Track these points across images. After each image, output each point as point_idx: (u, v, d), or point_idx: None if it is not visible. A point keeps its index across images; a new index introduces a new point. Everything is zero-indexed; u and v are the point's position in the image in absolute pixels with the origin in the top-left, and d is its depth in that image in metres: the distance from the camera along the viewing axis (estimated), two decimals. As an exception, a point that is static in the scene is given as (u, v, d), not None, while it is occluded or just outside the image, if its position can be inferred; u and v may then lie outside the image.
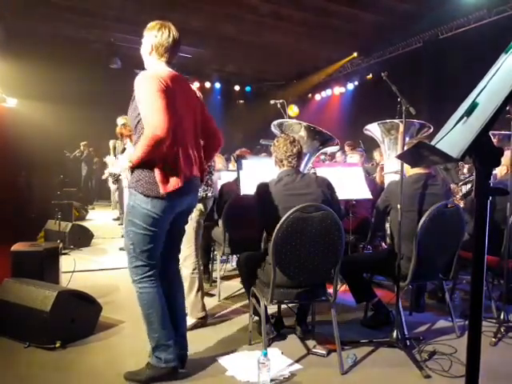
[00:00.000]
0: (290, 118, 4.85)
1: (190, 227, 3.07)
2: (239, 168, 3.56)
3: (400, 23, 9.45)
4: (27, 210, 5.25)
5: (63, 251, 4.25)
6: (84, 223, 7.13)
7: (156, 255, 2.36)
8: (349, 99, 13.08)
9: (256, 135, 8.44)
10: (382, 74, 3.05)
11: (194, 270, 3.21)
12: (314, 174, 3.50)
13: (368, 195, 3.86)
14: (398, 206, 2.86)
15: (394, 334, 2.85)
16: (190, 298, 3.13)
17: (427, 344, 2.93)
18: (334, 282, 2.67)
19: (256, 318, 3.03)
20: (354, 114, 11.95)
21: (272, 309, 3.07)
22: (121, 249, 5.68)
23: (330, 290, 2.74)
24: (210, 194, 3.33)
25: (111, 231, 7.33)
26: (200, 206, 3.20)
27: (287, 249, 2.50)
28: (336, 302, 2.72)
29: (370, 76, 11.70)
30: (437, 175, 3.49)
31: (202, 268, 3.46)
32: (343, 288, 3.79)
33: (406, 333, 2.95)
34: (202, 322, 3.20)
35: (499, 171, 3.72)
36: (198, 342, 2.80)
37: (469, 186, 4.71)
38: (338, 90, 13.43)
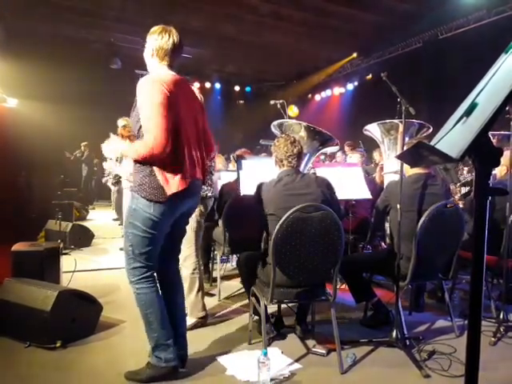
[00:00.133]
0: (289, 118, 4.86)
1: (190, 227, 3.07)
2: (239, 168, 3.56)
3: (400, 23, 9.46)
4: (27, 210, 5.26)
5: (64, 251, 4.25)
6: (84, 223, 7.13)
7: (154, 257, 2.37)
8: (348, 99, 13.08)
9: (256, 135, 8.43)
10: (382, 75, 3.05)
11: (194, 270, 3.22)
12: (314, 174, 3.51)
13: (367, 195, 3.86)
14: (398, 206, 2.86)
15: (394, 333, 2.86)
16: (191, 298, 3.13)
17: (427, 343, 2.93)
18: (334, 282, 2.67)
19: (256, 317, 3.04)
20: (354, 114, 11.95)
21: (272, 308, 3.08)
22: (121, 249, 5.65)
23: (330, 290, 2.75)
24: (209, 194, 3.34)
25: (112, 231, 7.33)
26: (200, 206, 3.21)
27: (287, 249, 2.51)
28: (336, 302, 2.72)
29: (370, 76, 11.70)
30: (436, 175, 3.50)
31: (202, 268, 3.47)
32: (343, 287, 3.79)
33: (406, 332, 2.96)
34: (202, 322, 3.20)
35: (499, 171, 3.72)
36: (198, 341, 2.81)
37: (468, 187, 4.72)
38: (337, 90, 13.43)
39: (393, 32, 9.91)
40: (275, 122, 3.90)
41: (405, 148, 2.99)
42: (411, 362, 2.62)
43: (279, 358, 2.68)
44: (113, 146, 2.40)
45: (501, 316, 3.16)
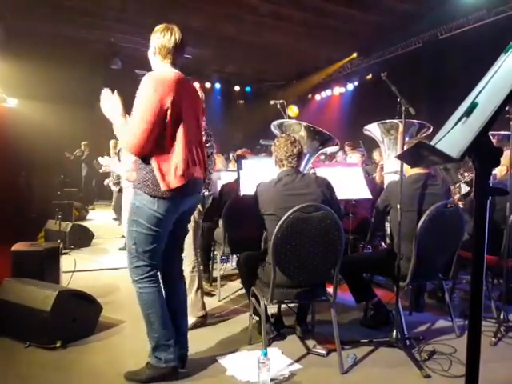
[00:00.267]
0: (289, 118, 4.86)
1: (189, 226, 3.07)
2: (239, 168, 3.56)
3: (400, 23, 9.46)
4: (27, 210, 5.26)
5: (63, 251, 4.25)
6: (84, 223, 7.13)
7: (158, 255, 2.37)
8: (349, 99, 13.08)
9: (256, 135, 8.44)
10: (382, 75, 3.05)
11: (193, 268, 3.22)
12: (314, 174, 3.51)
13: (368, 195, 3.86)
14: (398, 206, 2.86)
15: (394, 333, 2.86)
16: (190, 297, 3.13)
17: (427, 344, 2.93)
18: (334, 282, 2.67)
19: (256, 317, 3.03)
20: (354, 114, 11.94)
21: (272, 308, 3.08)
22: (121, 249, 5.69)
23: (330, 290, 2.75)
24: (206, 193, 3.33)
25: (111, 231, 7.33)
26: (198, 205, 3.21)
27: (287, 249, 2.50)
28: (336, 302, 2.72)
29: (370, 76, 11.70)
30: (436, 175, 3.50)
31: (201, 267, 3.46)
32: (343, 287, 3.79)
33: (406, 333, 2.95)
34: (202, 322, 3.20)
35: (499, 171, 3.72)
36: (198, 341, 2.80)
37: (468, 187, 4.71)
38: (337, 90, 13.43)
39: (393, 32, 9.90)
40: (275, 122, 3.90)
41: (405, 148, 2.99)
42: (411, 362, 2.62)
43: (279, 359, 2.68)
44: (111, 107, 2.37)
45: (501, 316, 3.16)
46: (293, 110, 12.62)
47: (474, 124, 1.03)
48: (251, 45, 11.14)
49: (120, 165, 4.64)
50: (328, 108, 13.94)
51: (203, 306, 3.23)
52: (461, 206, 3.77)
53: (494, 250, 3.16)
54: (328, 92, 13.91)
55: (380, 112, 4.86)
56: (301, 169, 2.97)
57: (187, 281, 3.11)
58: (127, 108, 2.37)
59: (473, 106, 1.08)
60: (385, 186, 3.48)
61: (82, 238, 6.07)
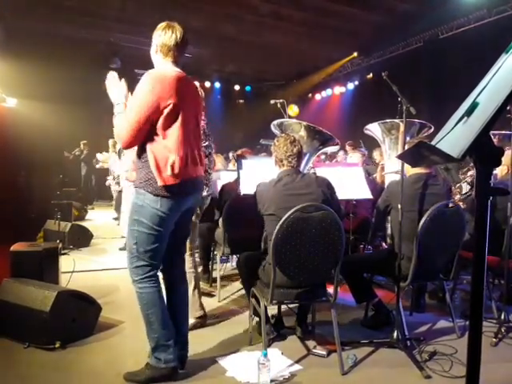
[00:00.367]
0: (290, 117, 4.85)
1: None
2: (239, 168, 3.55)
3: (400, 23, 9.45)
4: (27, 210, 5.25)
5: (62, 251, 4.25)
6: (83, 223, 7.12)
7: (159, 255, 2.36)
8: (349, 99, 13.07)
9: (256, 135, 8.44)
10: (383, 74, 3.04)
11: (189, 268, 3.20)
12: (314, 173, 3.50)
13: (368, 195, 3.85)
14: (399, 206, 2.85)
15: (395, 334, 2.84)
16: None
17: (428, 344, 2.92)
18: (335, 282, 2.66)
19: (256, 318, 3.02)
20: (355, 113, 11.94)
21: (272, 309, 3.07)
22: (121, 249, 5.68)
23: (331, 290, 2.74)
24: (204, 194, 3.32)
25: (111, 231, 7.32)
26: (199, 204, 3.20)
27: (287, 249, 2.50)
28: (336, 303, 2.71)
29: (371, 76, 11.70)
30: (437, 175, 3.49)
31: (198, 266, 3.44)
32: (343, 288, 3.78)
33: (407, 333, 2.94)
34: (202, 322, 3.19)
35: (500, 171, 3.71)
36: (197, 342, 2.79)
37: (468, 187, 4.70)
38: (338, 89, 13.43)
39: (393, 31, 9.90)
40: (275, 122, 3.89)
41: (406, 148, 2.98)
42: (412, 363, 2.61)
43: (279, 359, 2.67)
44: (118, 93, 2.40)
45: (502, 317, 3.15)
46: (293, 110, 12.63)
47: (474, 124, 1.02)
48: (251, 45, 11.13)
49: (120, 164, 4.64)
50: (328, 107, 13.94)
51: (201, 306, 3.22)
52: (462, 206, 3.76)
53: (495, 251, 3.16)
54: (328, 91, 13.91)
55: (381, 111, 4.86)
56: (301, 168, 2.96)
57: None
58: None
59: (474, 105, 1.08)
60: (385, 186, 3.47)
61: (81, 238, 6.06)
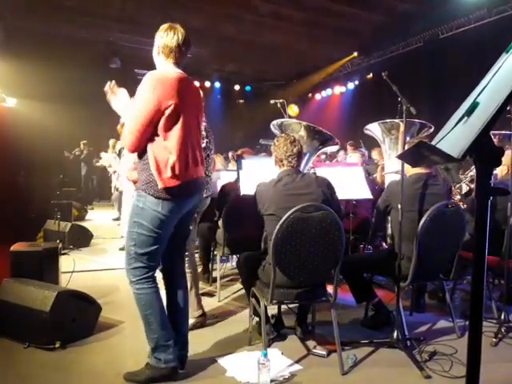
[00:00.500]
0: (290, 117, 4.85)
1: None
2: (239, 168, 3.55)
3: (400, 23, 9.45)
4: (27, 210, 5.25)
5: (62, 251, 4.24)
6: (83, 223, 7.12)
7: (157, 257, 2.36)
8: (349, 99, 13.07)
9: (256, 135, 8.44)
10: (383, 74, 3.04)
11: (189, 267, 3.20)
12: (314, 173, 3.50)
13: (368, 195, 3.85)
14: (399, 206, 2.85)
15: (395, 334, 2.84)
16: None
17: (428, 344, 2.92)
18: (335, 282, 2.66)
19: (256, 318, 3.02)
20: (355, 113, 11.95)
21: (272, 309, 3.07)
22: (121, 249, 5.68)
23: (331, 290, 2.73)
24: (204, 195, 3.32)
25: (111, 231, 7.32)
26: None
27: (287, 249, 2.49)
28: (336, 303, 2.71)
29: (371, 75, 11.70)
30: (438, 175, 3.49)
31: (196, 266, 3.43)
32: (343, 288, 3.78)
33: (407, 333, 2.94)
34: (202, 322, 3.19)
35: (500, 171, 3.71)
36: (197, 342, 2.79)
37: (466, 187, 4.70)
38: (338, 89, 13.43)
39: (393, 31, 9.90)
40: (275, 122, 3.88)
41: (406, 148, 2.98)
42: (412, 363, 2.61)
43: (279, 359, 2.67)
44: (121, 103, 2.40)
45: (502, 317, 3.15)
46: (293, 110, 12.63)
47: (475, 124, 1.02)
48: (251, 44, 11.14)
49: (120, 164, 4.64)
50: (328, 107, 13.94)
51: (200, 306, 3.21)
52: (462, 206, 3.76)
53: (495, 251, 3.15)
54: (328, 91, 13.91)
55: (381, 111, 4.86)
56: (301, 168, 2.96)
57: None
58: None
59: (474, 105, 1.08)
60: (385, 186, 3.47)
61: (81, 238, 6.06)
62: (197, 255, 4.16)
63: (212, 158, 3.53)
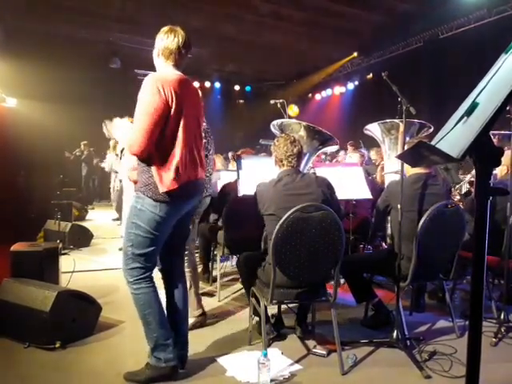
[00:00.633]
0: (290, 117, 4.85)
1: None
2: (239, 168, 3.55)
3: (400, 23, 9.46)
4: (27, 210, 5.24)
5: (63, 251, 4.24)
6: (84, 223, 7.12)
7: (154, 258, 2.37)
8: (349, 99, 13.08)
9: (256, 135, 8.44)
10: (383, 74, 3.04)
11: (188, 267, 3.20)
12: (314, 173, 3.50)
13: (368, 195, 3.85)
14: (398, 206, 2.85)
15: (395, 334, 2.85)
16: None
17: (427, 344, 2.92)
18: (335, 282, 2.66)
19: (256, 318, 3.03)
20: (355, 113, 11.96)
21: (272, 309, 3.07)
22: (120, 249, 5.67)
23: (330, 290, 2.74)
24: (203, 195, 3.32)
25: (111, 231, 7.33)
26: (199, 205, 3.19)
27: (287, 249, 2.50)
28: (336, 302, 2.71)
29: (371, 76, 11.70)
30: (437, 175, 3.49)
31: (196, 265, 3.44)
32: (343, 287, 3.78)
33: (407, 333, 2.94)
34: (201, 321, 3.19)
35: (499, 171, 3.71)
36: (197, 342, 2.80)
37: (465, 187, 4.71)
38: (338, 89, 13.43)
39: (393, 31, 9.91)
40: (274, 122, 3.89)
41: (405, 148, 2.98)
42: (412, 363, 2.61)
43: (279, 359, 2.67)
44: (122, 133, 2.41)
45: (502, 316, 3.15)
46: (293, 110, 12.63)
47: (474, 124, 1.02)
48: (251, 44, 11.14)
49: (121, 165, 4.64)
50: (328, 107, 13.95)
51: (199, 305, 3.22)
52: (461, 206, 3.76)
53: (495, 251, 3.15)
54: (328, 91, 13.92)
55: (380, 111, 4.86)
56: (300, 168, 2.97)
57: None
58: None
59: (473, 105, 1.08)
60: (385, 186, 3.47)
61: (82, 238, 6.06)
62: (197, 255, 4.17)
63: (211, 159, 3.53)
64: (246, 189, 3.38)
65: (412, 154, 1.38)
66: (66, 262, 4.11)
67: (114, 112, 5.55)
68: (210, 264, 4.51)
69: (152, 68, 2.42)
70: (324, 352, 2.75)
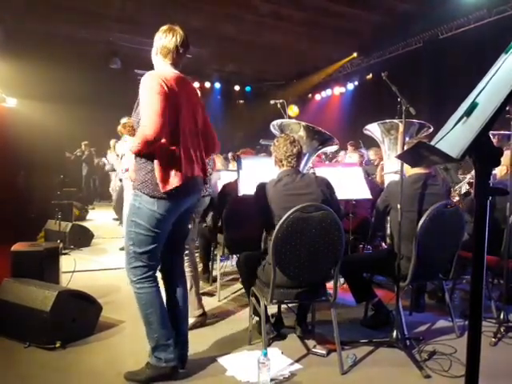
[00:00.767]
0: (290, 117, 4.86)
1: None
2: (239, 168, 3.55)
3: (400, 23, 9.47)
4: (27, 210, 5.25)
5: (63, 251, 4.24)
6: (84, 223, 7.12)
7: (156, 256, 2.36)
8: (349, 99, 13.09)
9: (256, 135, 8.44)
10: (382, 74, 3.04)
11: (188, 267, 3.20)
12: (314, 173, 3.50)
13: (368, 195, 3.85)
14: (398, 206, 2.85)
15: (394, 333, 2.85)
16: None
17: (427, 344, 2.92)
18: (334, 282, 2.67)
19: (256, 317, 3.03)
20: (354, 114, 11.96)
21: (272, 309, 3.07)
22: (121, 249, 5.68)
23: (330, 290, 2.74)
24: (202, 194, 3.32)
25: (111, 231, 7.33)
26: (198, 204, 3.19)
27: (287, 249, 2.50)
28: (336, 302, 2.72)
29: (370, 76, 11.71)
30: (437, 175, 3.49)
31: (196, 265, 3.44)
32: (343, 287, 3.78)
33: (406, 333, 2.95)
34: (202, 321, 3.19)
35: (499, 171, 3.71)
36: (198, 341, 2.80)
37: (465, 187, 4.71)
38: (338, 89, 13.44)
39: (393, 32, 9.92)
40: (274, 122, 3.89)
41: (405, 148, 2.98)
42: (412, 363, 2.62)
43: (279, 359, 2.67)
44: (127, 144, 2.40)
45: (501, 316, 3.15)
46: (293, 110, 12.63)
47: (474, 124, 1.02)
48: (251, 45, 11.15)
49: (122, 164, 4.65)
50: (328, 108, 13.96)
51: (200, 305, 3.22)
52: (460, 206, 3.77)
53: (494, 250, 3.16)
54: (328, 92, 13.93)
55: (380, 112, 4.86)
56: (300, 169, 2.97)
57: None
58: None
59: (473, 105, 1.08)
60: (385, 186, 3.47)
61: (82, 238, 6.07)
62: (197, 255, 4.17)
63: (211, 159, 3.54)
64: (246, 189, 3.39)
65: (412, 154, 1.39)
66: (66, 262, 4.11)
67: (114, 112, 5.57)
68: (210, 264, 4.51)
69: (152, 68, 2.43)
70: (324, 352, 2.75)
